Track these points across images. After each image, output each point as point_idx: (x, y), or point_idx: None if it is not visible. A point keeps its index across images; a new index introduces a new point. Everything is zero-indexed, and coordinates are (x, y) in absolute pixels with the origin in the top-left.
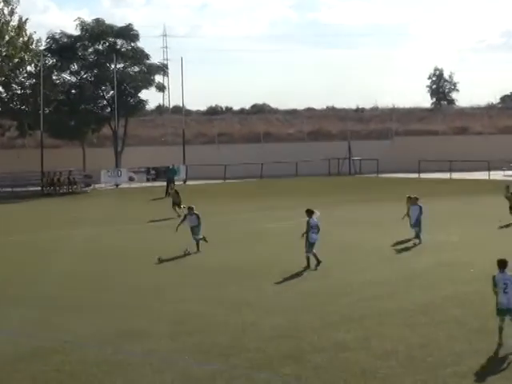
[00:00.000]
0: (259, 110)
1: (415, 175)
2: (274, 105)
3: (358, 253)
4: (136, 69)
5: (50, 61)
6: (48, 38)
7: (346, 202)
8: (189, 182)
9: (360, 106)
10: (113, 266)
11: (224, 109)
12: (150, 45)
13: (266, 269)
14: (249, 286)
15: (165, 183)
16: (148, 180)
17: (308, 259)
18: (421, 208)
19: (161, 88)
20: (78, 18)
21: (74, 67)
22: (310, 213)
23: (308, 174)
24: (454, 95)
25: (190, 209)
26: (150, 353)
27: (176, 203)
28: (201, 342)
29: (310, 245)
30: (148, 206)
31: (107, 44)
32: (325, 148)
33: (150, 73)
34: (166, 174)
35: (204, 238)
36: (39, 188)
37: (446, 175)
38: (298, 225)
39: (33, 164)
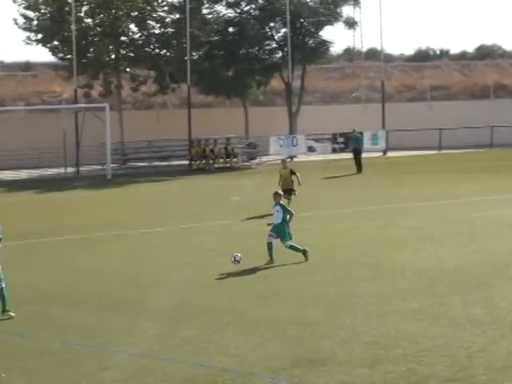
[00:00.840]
0: (487, 55)
1: None
2: (508, 47)
3: None
4: None
5: None
6: None
7: None
8: (390, 154)
9: None
10: (280, 273)
11: (438, 53)
12: None
13: (498, 273)
14: (474, 298)
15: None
16: (334, 151)
17: None
18: None
19: (351, 24)
20: None
21: None
22: None
23: None
24: None
25: None
26: None
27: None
28: (410, 373)
29: None
30: (342, 187)
31: None
32: None
33: (335, 3)
34: (349, 143)
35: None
36: (186, 162)
37: None
38: None
39: (177, 130)
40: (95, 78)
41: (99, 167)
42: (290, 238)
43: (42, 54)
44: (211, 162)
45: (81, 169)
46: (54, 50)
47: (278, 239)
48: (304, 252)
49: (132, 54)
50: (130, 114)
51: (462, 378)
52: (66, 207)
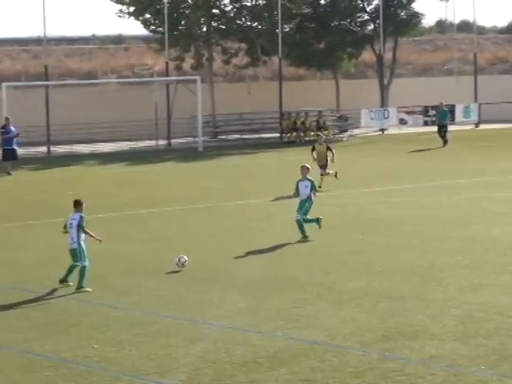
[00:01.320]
0: None
1: None
2: None
3: None
4: None
5: None
6: None
7: None
8: (482, 126)
9: None
10: (373, 246)
11: None
12: None
13: None
14: None
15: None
16: (426, 124)
17: None
18: None
19: None
20: None
21: None
22: None
23: None
24: None
25: None
26: (430, 360)
27: (322, 165)
28: (503, 347)
29: None
30: (435, 160)
31: None
32: None
33: None
34: (436, 116)
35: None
36: (277, 134)
37: None
38: None
39: (268, 102)
40: (187, 51)
41: (190, 140)
42: (305, 214)
43: (133, 27)
44: (302, 134)
45: (172, 141)
46: (145, 23)
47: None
48: (318, 220)
49: (223, 27)
50: (221, 87)
51: None
52: (157, 180)
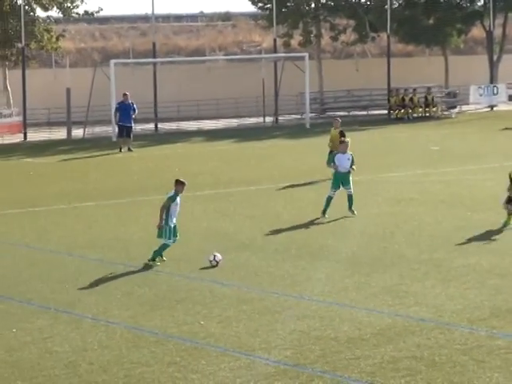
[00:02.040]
0: None
1: None
2: None
3: None
4: None
5: None
6: None
7: None
8: None
9: None
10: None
11: None
12: None
13: None
14: None
15: None
16: None
17: None
18: None
19: None
20: None
21: None
22: None
23: None
24: None
25: None
26: None
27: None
28: None
29: None
30: None
31: None
32: None
33: None
34: None
35: None
36: (385, 111)
37: None
38: None
39: (376, 79)
40: (295, 28)
41: (298, 116)
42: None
43: (241, 4)
44: (410, 111)
45: (279, 118)
46: (253, 0)
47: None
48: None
49: (332, 3)
50: (329, 63)
51: None
52: (264, 156)
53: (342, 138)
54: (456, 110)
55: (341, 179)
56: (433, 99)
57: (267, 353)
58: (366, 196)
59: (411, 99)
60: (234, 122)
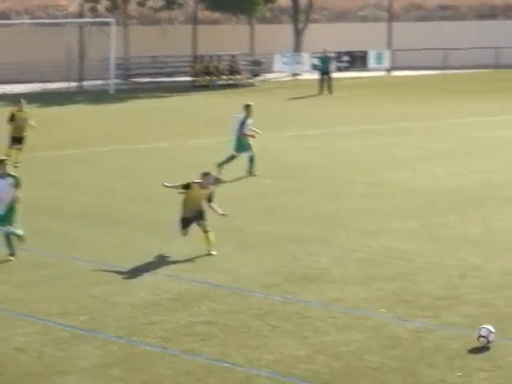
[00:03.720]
0: None
1: None
2: None
3: None
4: None
5: None
6: None
7: None
8: (395, 73)
9: None
10: (281, 190)
11: None
12: None
13: (496, 193)
14: (471, 217)
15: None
16: (339, 69)
17: None
18: None
19: None
20: None
21: None
22: None
23: None
24: None
25: None
26: (331, 303)
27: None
28: (402, 291)
29: None
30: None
31: None
32: None
33: None
34: (319, 63)
35: None
36: (190, 78)
37: None
38: None
39: (183, 46)
40: None
41: (103, 82)
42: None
43: None
44: (215, 78)
45: (84, 83)
46: None
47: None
48: None
49: None
50: (136, 30)
51: (455, 296)
52: (67, 121)
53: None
54: (260, 77)
55: None
56: (237, 67)
57: (63, 318)
58: (166, 162)
59: (216, 67)
60: (37, 87)
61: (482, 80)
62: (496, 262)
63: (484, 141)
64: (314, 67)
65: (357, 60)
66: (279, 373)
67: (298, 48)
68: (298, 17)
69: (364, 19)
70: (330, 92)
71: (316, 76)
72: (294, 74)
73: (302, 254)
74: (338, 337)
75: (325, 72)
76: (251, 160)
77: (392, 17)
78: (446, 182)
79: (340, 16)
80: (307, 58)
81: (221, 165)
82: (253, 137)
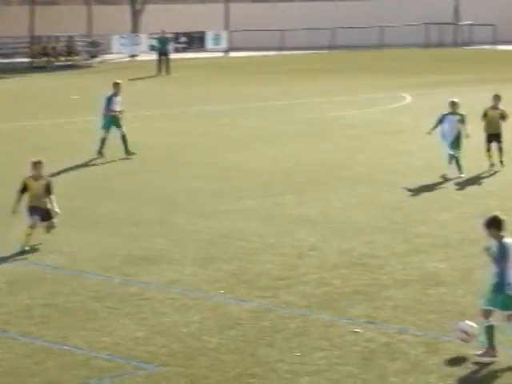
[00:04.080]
0: None
1: None
2: None
3: None
4: None
5: None
6: None
7: (449, 84)
8: (232, 54)
9: None
10: (120, 171)
11: None
12: None
13: (333, 174)
14: (309, 198)
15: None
16: (177, 50)
17: None
18: None
19: None
20: None
21: None
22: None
23: (397, 44)
24: None
25: None
26: (171, 284)
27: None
28: (241, 271)
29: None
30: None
31: None
32: (422, 7)
33: None
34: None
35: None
36: (27, 59)
37: None
38: (381, 113)
39: (20, 26)
40: None
41: None
42: None
43: None
44: (53, 59)
45: None
46: None
47: None
48: None
49: None
50: None
51: (293, 276)
52: None
53: None
54: (98, 58)
55: None
56: (75, 47)
57: None
58: (3, 145)
59: (53, 48)
60: None
61: (318, 61)
62: (333, 242)
63: (320, 121)
64: (152, 48)
65: (194, 41)
66: (118, 355)
67: (135, 29)
68: None
69: (202, 0)
70: (168, 73)
71: (154, 57)
72: (132, 55)
73: (141, 236)
74: (176, 318)
75: (163, 53)
76: (123, 138)
77: None
78: (283, 163)
79: None
80: (145, 39)
81: (100, 152)
82: (120, 113)
